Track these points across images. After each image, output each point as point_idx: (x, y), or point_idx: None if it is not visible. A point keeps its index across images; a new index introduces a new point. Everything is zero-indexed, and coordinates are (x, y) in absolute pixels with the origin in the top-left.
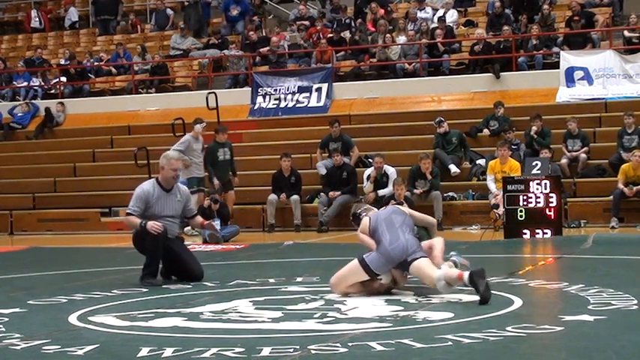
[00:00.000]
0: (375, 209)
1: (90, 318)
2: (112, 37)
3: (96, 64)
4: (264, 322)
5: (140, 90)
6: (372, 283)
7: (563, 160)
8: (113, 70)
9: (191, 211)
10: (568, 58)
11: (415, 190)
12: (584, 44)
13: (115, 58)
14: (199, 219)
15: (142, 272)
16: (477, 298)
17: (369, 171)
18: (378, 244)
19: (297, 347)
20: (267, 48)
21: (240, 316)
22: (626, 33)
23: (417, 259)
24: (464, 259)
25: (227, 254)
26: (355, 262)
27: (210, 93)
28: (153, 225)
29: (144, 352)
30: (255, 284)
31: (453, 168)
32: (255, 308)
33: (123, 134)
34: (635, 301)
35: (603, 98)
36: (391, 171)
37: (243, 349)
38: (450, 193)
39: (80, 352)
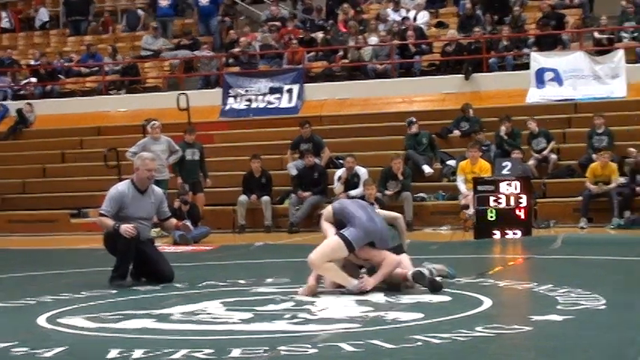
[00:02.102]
0: None
1: (59, 320)
2: (83, 38)
3: (66, 64)
4: (234, 323)
5: (110, 91)
6: (348, 269)
7: (531, 162)
8: (84, 70)
9: (165, 213)
10: (538, 59)
11: (386, 191)
12: (555, 45)
13: (86, 59)
14: (173, 221)
15: (112, 274)
16: (447, 298)
17: (340, 172)
18: (349, 222)
19: (267, 348)
20: (239, 49)
21: (210, 318)
22: (596, 34)
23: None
24: (437, 264)
25: (197, 255)
26: (335, 237)
27: (181, 94)
28: (126, 229)
29: (113, 353)
30: (226, 285)
31: (427, 169)
32: (226, 309)
33: (93, 135)
34: (604, 301)
35: (573, 99)
36: (362, 172)
37: (213, 351)
38: (421, 194)
39: (49, 354)
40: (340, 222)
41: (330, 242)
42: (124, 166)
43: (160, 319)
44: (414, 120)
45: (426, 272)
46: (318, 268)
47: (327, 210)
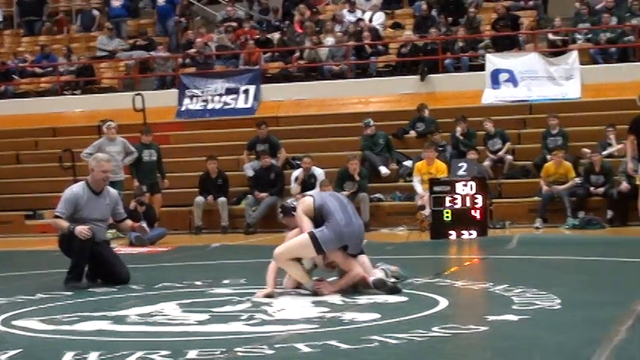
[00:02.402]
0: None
1: (13, 322)
2: (37, 38)
3: (20, 65)
4: (190, 324)
5: (65, 91)
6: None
7: (487, 162)
8: (38, 70)
9: (120, 214)
10: (493, 60)
11: (343, 192)
12: (510, 47)
13: (40, 59)
14: (129, 222)
15: (67, 275)
16: (404, 299)
17: (296, 172)
18: (327, 220)
19: (224, 349)
20: (195, 50)
21: (167, 319)
22: (550, 36)
23: (362, 253)
24: (392, 265)
25: (153, 257)
26: (305, 236)
27: (136, 94)
28: (82, 230)
29: (68, 356)
30: (182, 287)
31: (384, 169)
32: (182, 311)
33: (48, 136)
34: (559, 301)
35: (528, 100)
36: (319, 172)
37: (170, 352)
38: (377, 195)
39: (3, 357)
40: (319, 216)
41: (299, 240)
42: (80, 167)
43: (115, 320)
44: (372, 123)
45: (384, 277)
46: (280, 263)
47: (307, 202)
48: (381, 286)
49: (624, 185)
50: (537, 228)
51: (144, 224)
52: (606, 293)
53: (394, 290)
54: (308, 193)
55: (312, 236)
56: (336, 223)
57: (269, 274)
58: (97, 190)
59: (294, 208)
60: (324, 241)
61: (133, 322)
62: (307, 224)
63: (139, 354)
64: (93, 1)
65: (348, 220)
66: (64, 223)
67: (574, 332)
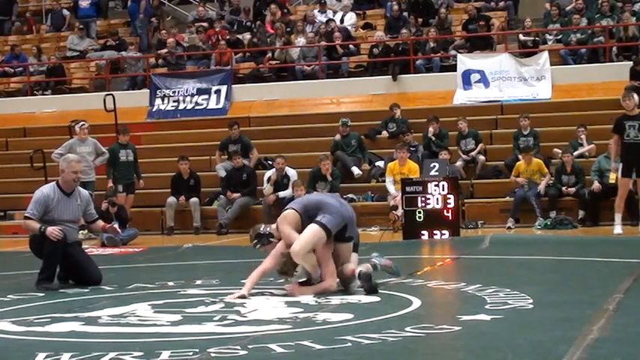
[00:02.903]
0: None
1: None
2: (7, 38)
3: None
4: (163, 325)
5: (36, 92)
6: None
7: (459, 163)
8: (8, 70)
9: (92, 215)
10: (465, 61)
11: (315, 192)
12: (482, 47)
13: (10, 59)
14: (100, 223)
15: (38, 277)
16: (377, 299)
17: (269, 173)
18: (322, 210)
19: (197, 350)
20: (166, 50)
21: (139, 320)
22: (521, 37)
23: (350, 239)
24: (386, 259)
25: (125, 258)
26: (314, 226)
27: (107, 95)
28: (52, 231)
29: (40, 357)
30: (154, 287)
31: (356, 170)
32: (154, 312)
33: (18, 137)
34: (531, 300)
35: (499, 101)
36: (292, 173)
37: (142, 353)
38: (350, 195)
39: None
40: (307, 219)
41: (311, 231)
42: (50, 168)
43: (88, 321)
44: (349, 122)
45: (372, 273)
46: (300, 258)
47: (290, 216)
48: (365, 280)
49: (595, 185)
50: (509, 228)
51: (115, 225)
52: (578, 293)
53: (372, 290)
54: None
55: (319, 223)
56: (333, 207)
57: (252, 278)
58: (67, 190)
59: (270, 235)
60: (329, 223)
61: (106, 323)
62: (293, 233)
63: (112, 355)
64: (63, 1)
65: (339, 202)
66: (35, 224)
67: (546, 332)
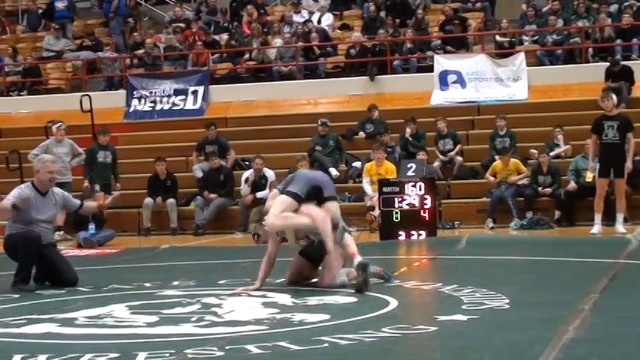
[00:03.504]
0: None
1: None
2: None
3: None
4: (139, 326)
5: (11, 92)
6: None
7: (436, 163)
8: None
9: (75, 204)
10: (442, 61)
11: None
12: (459, 48)
13: None
14: (91, 203)
15: (14, 278)
16: (353, 299)
17: (247, 173)
18: (294, 181)
19: (174, 352)
20: (142, 50)
21: (116, 321)
22: (497, 37)
23: (332, 198)
24: (376, 267)
25: (102, 259)
26: (280, 196)
27: (84, 95)
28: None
29: (16, 359)
30: (131, 289)
31: (333, 171)
32: (131, 313)
33: None
34: (507, 301)
35: (476, 101)
36: (270, 173)
37: (119, 354)
38: None
39: None
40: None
41: (277, 202)
42: (26, 169)
43: (64, 323)
44: (328, 123)
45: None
46: (279, 226)
47: (284, 200)
48: (361, 270)
49: (571, 185)
50: (492, 228)
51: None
52: (554, 293)
53: (365, 282)
54: (259, 193)
55: (285, 192)
56: (301, 175)
57: (263, 269)
58: (43, 190)
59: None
60: (295, 189)
61: (82, 324)
62: (298, 216)
63: (88, 356)
64: (39, 1)
65: (310, 172)
66: (7, 203)
67: (523, 332)
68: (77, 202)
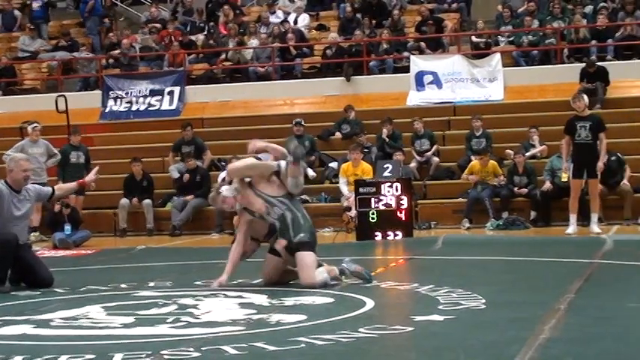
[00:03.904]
0: None
1: None
2: None
3: None
4: (115, 327)
5: None
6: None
7: (412, 164)
8: None
9: (47, 193)
10: (418, 62)
11: None
12: (435, 49)
13: None
14: (65, 185)
15: None
16: (330, 300)
17: (223, 174)
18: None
19: (150, 352)
20: (118, 50)
21: (92, 322)
22: (473, 38)
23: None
24: (357, 265)
25: (78, 259)
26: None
27: (59, 96)
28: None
29: None
30: (107, 290)
31: (310, 172)
32: (107, 314)
33: None
34: (484, 301)
35: (452, 102)
36: None
37: (95, 356)
38: (303, 196)
39: None
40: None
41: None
42: (2, 169)
43: (40, 324)
44: (303, 122)
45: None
46: (238, 170)
47: (267, 164)
48: (340, 276)
49: (547, 185)
50: (468, 228)
51: (66, 227)
52: (530, 293)
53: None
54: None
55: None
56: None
57: (230, 262)
58: (17, 189)
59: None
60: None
61: (58, 325)
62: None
63: (64, 358)
64: (14, 1)
65: None
66: None
67: (499, 332)
68: (48, 189)
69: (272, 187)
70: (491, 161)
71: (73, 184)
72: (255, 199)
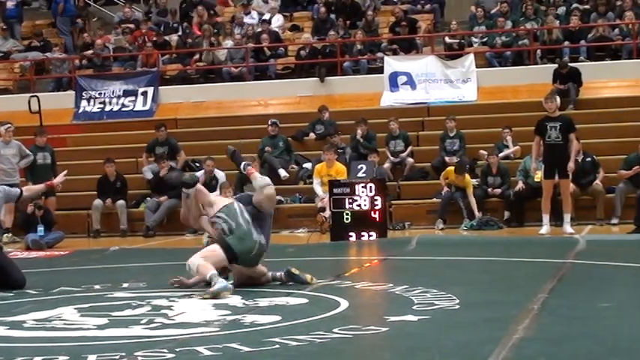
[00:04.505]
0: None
1: None
2: None
3: None
4: (89, 329)
5: None
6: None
7: (386, 165)
8: None
9: (16, 192)
10: (392, 63)
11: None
12: (409, 50)
13: None
14: (34, 187)
15: None
16: (304, 300)
17: (197, 175)
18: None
19: (124, 354)
20: (92, 51)
21: (65, 324)
22: (447, 39)
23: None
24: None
25: (51, 261)
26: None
27: (32, 96)
28: None
29: None
30: (80, 291)
31: (283, 173)
32: (80, 315)
33: None
34: (458, 301)
35: (426, 103)
36: (220, 175)
37: (68, 357)
38: (277, 197)
39: None
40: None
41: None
42: None
43: (12, 326)
44: (278, 123)
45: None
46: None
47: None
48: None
49: (519, 185)
50: (442, 229)
51: (39, 228)
52: (504, 293)
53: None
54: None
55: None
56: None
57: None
58: None
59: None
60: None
61: (31, 327)
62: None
63: (38, 359)
64: None
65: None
66: None
67: (473, 332)
68: (17, 190)
69: (216, 206)
70: (467, 176)
71: (41, 186)
72: (207, 227)
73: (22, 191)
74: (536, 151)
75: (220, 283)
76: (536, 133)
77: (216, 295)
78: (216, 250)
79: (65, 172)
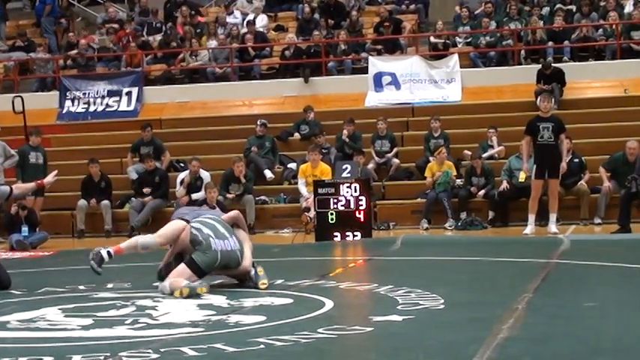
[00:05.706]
0: None
1: None
2: None
3: None
4: (73, 329)
5: None
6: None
7: (371, 165)
8: None
9: (5, 191)
10: (376, 63)
11: (228, 195)
12: (393, 50)
13: None
14: (26, 185)
15: None
16: (289, 301)
17: (182, 175)
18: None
19: (108, 354)
20: (76, 51)
21: (49, 325)
22: (431, 39)
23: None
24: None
25: (35, 261)
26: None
27: (16, 96)
28: None
29: None
30: (65, 291)
31: (268, 173)
32: (65, 316)
33: None
34: (442, 301)
35: (410, 103)
36: (205, 175)
37: (52, 358)
38: (262, 197)
39: None
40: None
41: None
42: None
43: None
44: (267, 123)
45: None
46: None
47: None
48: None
49: (503, 185)
50: (427, 229)
51: (23, 229)
52: (488, 293)
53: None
54: (194, 195)
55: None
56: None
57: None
58: None
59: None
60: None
61: (15, 327)
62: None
63: None
64: None
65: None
66: None
67: (458, 332)
68: (6, 188)
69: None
70: (448, 162)
71: (31, 184)
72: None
73: (12, 189)
74: (526, 151)
75: (194, 283)
76: (527, 133)
77: (192, 290)
78: (183, 269)
79: (56, 171)
